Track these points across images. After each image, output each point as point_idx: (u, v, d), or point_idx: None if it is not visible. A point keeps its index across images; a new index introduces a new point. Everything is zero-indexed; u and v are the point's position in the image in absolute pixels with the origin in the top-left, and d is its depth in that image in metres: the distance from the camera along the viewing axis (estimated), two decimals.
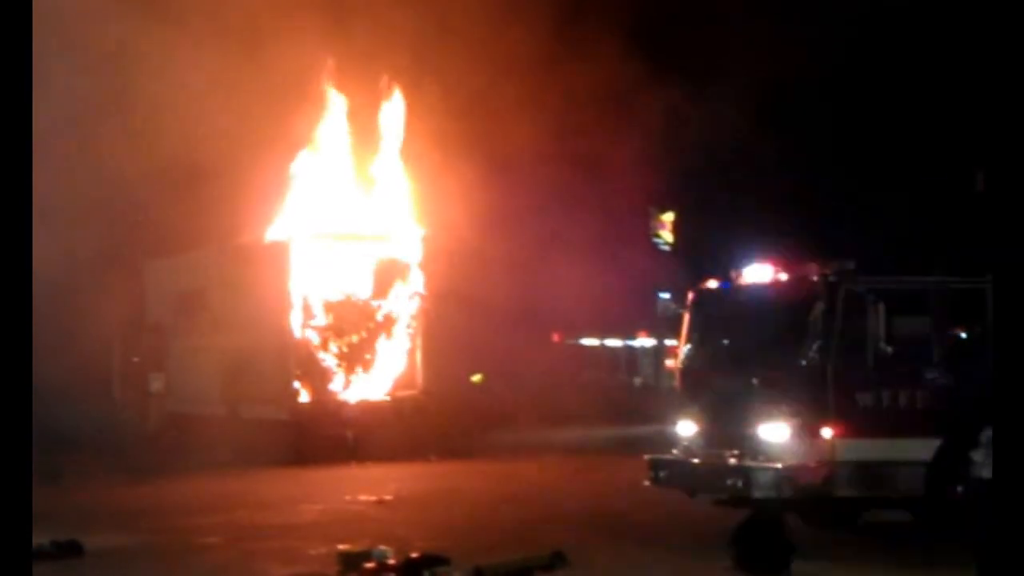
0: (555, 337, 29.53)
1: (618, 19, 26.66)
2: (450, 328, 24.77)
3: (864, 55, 31.08)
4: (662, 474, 14.28)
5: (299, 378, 23.87)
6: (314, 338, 24.00)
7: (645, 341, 31.07)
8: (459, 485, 19.69)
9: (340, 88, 25.75)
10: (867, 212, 30.18)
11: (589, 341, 27.47)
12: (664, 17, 26.37)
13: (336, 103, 25.82)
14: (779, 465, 12.63)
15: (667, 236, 27.12)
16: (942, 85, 30.29)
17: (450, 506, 17.23)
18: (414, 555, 12.21)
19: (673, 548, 13.48)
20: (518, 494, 18.50)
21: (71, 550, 13.04)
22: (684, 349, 14.82)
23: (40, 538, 12.13)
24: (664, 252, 27.00)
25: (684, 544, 13.46)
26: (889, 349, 12.93)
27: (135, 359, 29.21)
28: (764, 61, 28.51)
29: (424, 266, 24.59)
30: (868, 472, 12.84)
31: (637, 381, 31.80)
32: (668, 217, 27.21)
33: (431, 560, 12.00)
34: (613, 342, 28.29)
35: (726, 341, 14.59)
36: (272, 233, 25.43)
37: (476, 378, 27.75)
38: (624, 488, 16.97)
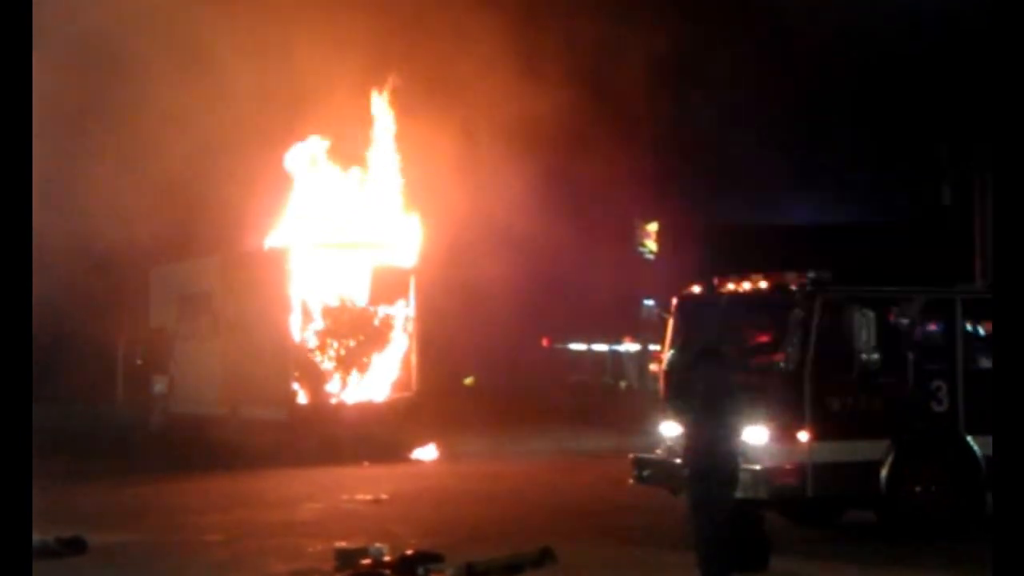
0: (544, 342, 29.84)
1: (611, 31, 26.95)
2: (444, 333, 25.02)
3: (839, 71, 31.39)
4: (645, 473, 14.62)
5: (298, 380, 24.06)
6: (312, 342, 24.28)
7: (630, 346, 31.31)
8: (452, 484, 19.82)
9: (340, 97, 25.98)
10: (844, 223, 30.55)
11: (577, 346, 27.77)
12: (649, 30, 26.70)
13: (336, 112, 26.07)
14: (757, 466, 12.88)
15: (651, 245, 27.49)
16: (912, 102, 30.61)
17: (443, 505, 17.40)
18: (409, 552, 12.41)
19: (656, 545, 13.72)
20: (509, 493, 18.68)
21: (75, 547, 13.13)
22: (668, 353, 15.19)
23: (45, 535, 12.40)
24: (648, 260, 27.37)
25: (666, 541, 13.65)
26: (863, 356, 13.35)
27: (139, 361, 29.42)
28: (742, 78, 28.87)
29: (419, 273, 24.87)
30: (839, 473, 13.25)
31: (622, 384, 31.99)
32: (652, 227, 27.59)
33: (425, 557, 12.22)
34: (600, 346, 28.61)
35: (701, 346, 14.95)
36: (272, 240, 25.71)
37: (468, 381, 28.01)
38: (610, 487, 17.24)
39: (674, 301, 15.18)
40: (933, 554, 12.92)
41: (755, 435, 13.02)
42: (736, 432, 11.35)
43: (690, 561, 11.33)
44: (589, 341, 27.83)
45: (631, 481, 14.87)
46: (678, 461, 14.09)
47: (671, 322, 15.11)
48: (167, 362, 28.11)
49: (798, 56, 29.43)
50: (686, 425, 11.84)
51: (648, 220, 27.48)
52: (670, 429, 14.53)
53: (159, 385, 28.11)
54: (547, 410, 28.39)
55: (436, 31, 25.22)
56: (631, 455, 15.11)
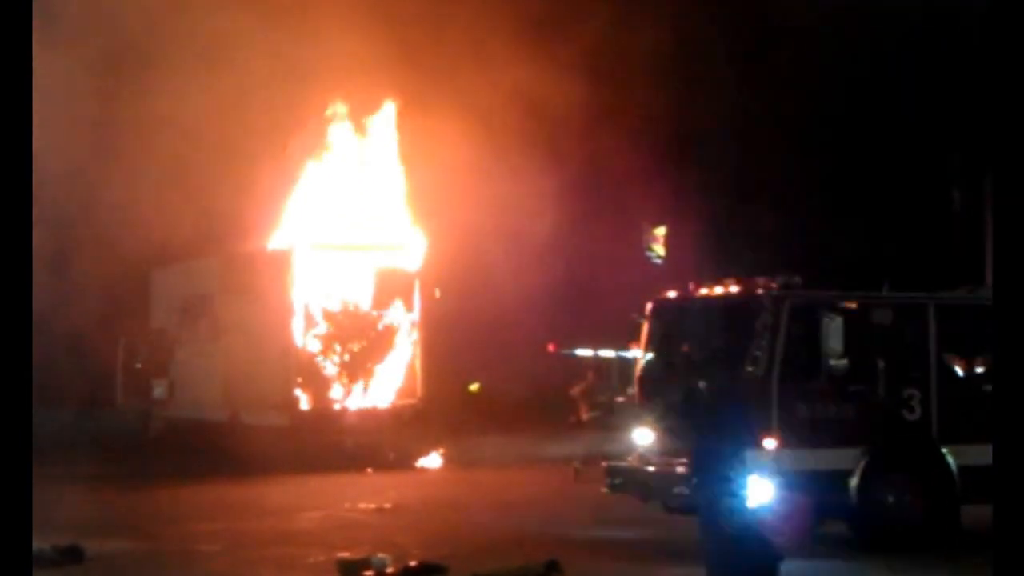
0: (550, 347, 29.72)
1: (614, 35, 26.91)
2: (449, 338, 24.88)
3: (842, 78, 31.36)
4: (618, 481, 14.52)
5: (300, 385, 23.95)
6: (315, 346, 24.11)
7: (636, 352, 31.13)
8: (457, 493, 19.77)
9: (343, 97, 25.87)
10: (834, 231, 30.55)
11: (583, 352, 27.60)
12: (651, 39, 26.74)
13: (339, 113, 25.95)
14: None
15: (659, 250, 27.42)
16: (922, 108, 30.60)
17: (448, 514, 17.31)
18: (412, 563, 12.32)
19: (663, 556, 13.59)
20: (515, 502, 18.58)
21: (72, 555, 13.05)
22: (643, 358, 14.99)
23: (41, 543, 12.25)
24: (657, 265, 27.30)
25: (674, 552, 13.50)
26: (831, 362, 13.09)
27: (139, 365, 29.28)
28: (743, 86, 28.82)
29: (424, 277, 24.71)
30: (807, 481, 12.92)
31: (629, 391, 31.76)
32: (660, 231, 27.54)
33: (429, 568, 12.15)
34: (606, 352, 28.40)
35: (681, 352, 14.69)
36: (275, 242, 25.55)
37: (473, 387, 27.86)
38: (617, 495, 17.04)
39: (649, 305, 14.97)
40: (931, 565, 12.81)
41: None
42: (743, 441, 11.11)
43: (697, 571, 11.14)
44: (596, 347, 27.62)
45: (604, 489, 14.71)
46: (651, 468, 13.93)
47: (646, 326, 14.93)
48: (167, 366, 27.96)
49: (807, 60, 29.36)
50: (693, 434, 11.62)
51: (656, 224, 27.40)
52: (643, 436, 14.37)
53: (159, 389, 27.97)
54: (552, 416, 28.25)
55: (444, 32, 25.10)
56: (604, 463, 15.01)
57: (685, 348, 14.46)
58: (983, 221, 26.29)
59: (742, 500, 10.99)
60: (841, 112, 31.75)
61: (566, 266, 28.61)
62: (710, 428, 11.10)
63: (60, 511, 15.46)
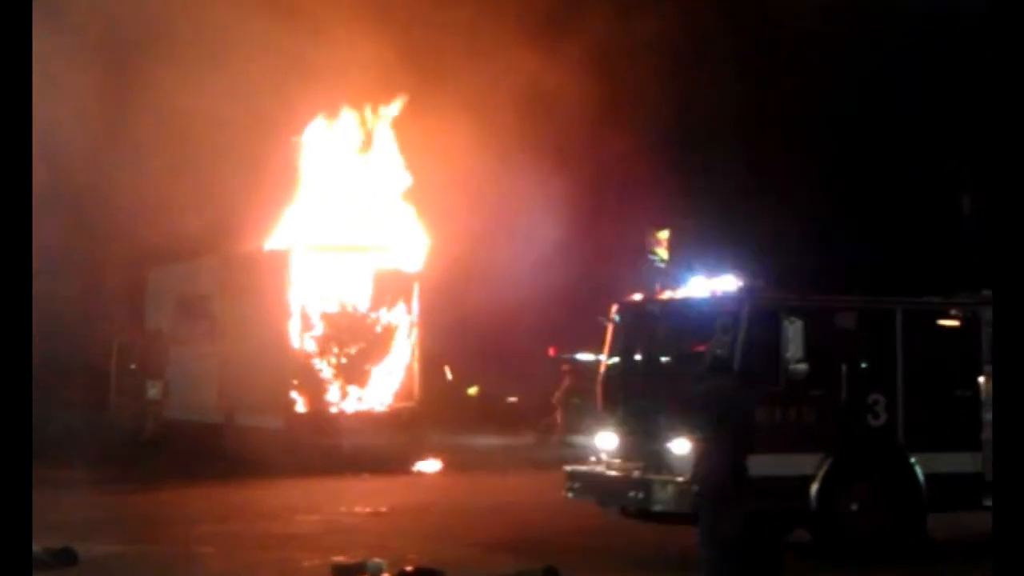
0: (551, 351, 29.69)
1: (615, 38, 26.90)
2: (447, 341, 24.83)
3: (847, 79, 31.33)
4: (576, 486, 14.39)
5: (296, 388, 23.84)
6: (312, 348, 24.00)
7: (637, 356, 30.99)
8: (454, 498, 19.70)
9: (343, 98, 25.78)
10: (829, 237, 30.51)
11: (584, 356, 27.50)
12: (651, 40, 26.76)
13: (339, 112, 25.87)
14: (679, 479, 12.53)
15: (662, 253, 27.33)
16: (930, 112, 30.57)
17: (445, 519, 17.23)
18: (408, 568, 12.27)
19: (662, 563, 13.49)
20: (513, 507, 18.44)
21: (65, 558, 12.94)
22: (607, 361, 14.85)
23: (34, 545, 12.16)
24: (660, 269, 27.23)
25: (673, 559, 13.39)
26: (790, 366, 12.93)
27: (133, 366, 29.18)
28: (746, 87, 28.80)
29: (423, 278, 24.60)
30: (766, 487, 12.51)
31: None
32: (664, 235, 27.47)
33: (425, 573, 12.09)
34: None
35: (644, 355, 14.67)
36: (272, 242, 25.44)
37: (472, 391, 27.88)
38: None
39: (614, 308, 14.84)
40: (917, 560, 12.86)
41: (680, 446, 12.67)
42: (746, 451, 10.98)
43: None
44: (597, 351, 27.49)
45: (569, 494, 14.56)
46: (609, 473, 13.89)
47: (611, 329, 14.82)
48: (162, 367, 27.86)
49: (813, 64, 29.36)
50: (698, 444, 11.49)
51: (660, 227, 27.32)
52: (604, 440, 14.27)
53: (153, 390, 27.88)
54: (552, 420, 28.29)
55: (446, 33, 25.06)
56: (565, 467, 14.89)
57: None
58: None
59: (743, 508, 10.89)
60: (847, 114, 31.71)
61: (568, 268, 28.54)
62: (711, 435, 11.00)
63: (52, 513, 15.38)
